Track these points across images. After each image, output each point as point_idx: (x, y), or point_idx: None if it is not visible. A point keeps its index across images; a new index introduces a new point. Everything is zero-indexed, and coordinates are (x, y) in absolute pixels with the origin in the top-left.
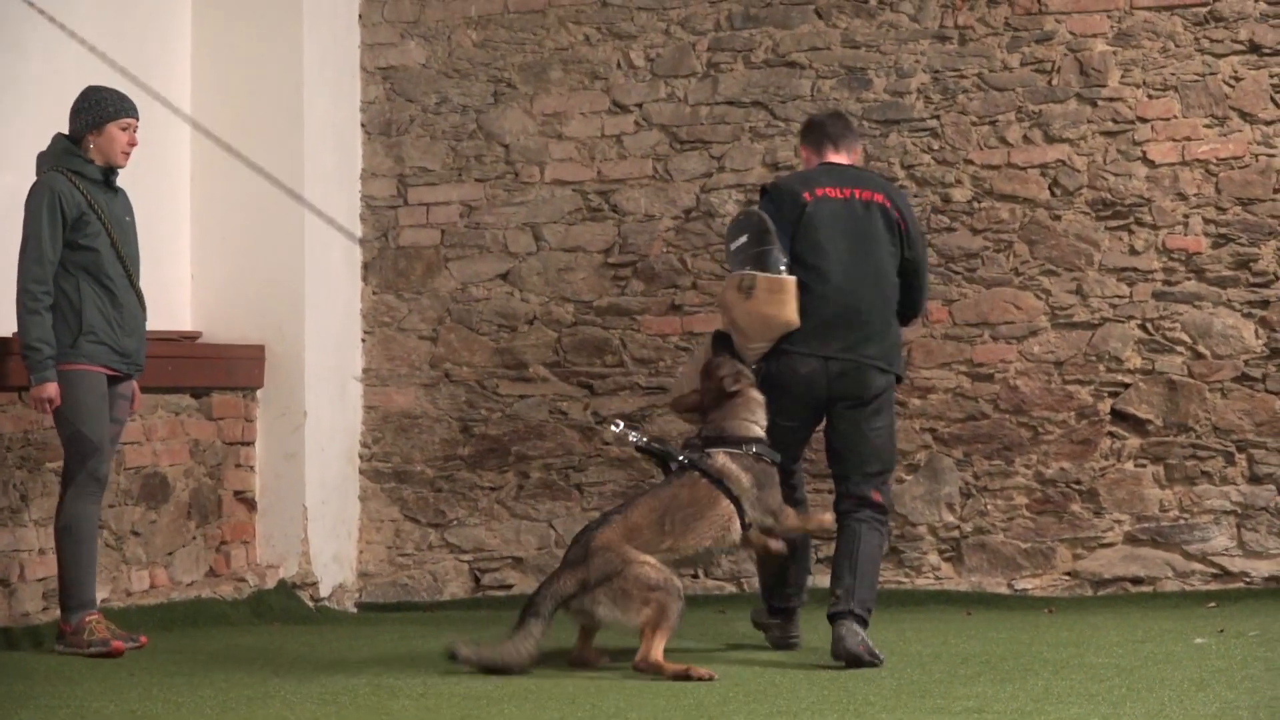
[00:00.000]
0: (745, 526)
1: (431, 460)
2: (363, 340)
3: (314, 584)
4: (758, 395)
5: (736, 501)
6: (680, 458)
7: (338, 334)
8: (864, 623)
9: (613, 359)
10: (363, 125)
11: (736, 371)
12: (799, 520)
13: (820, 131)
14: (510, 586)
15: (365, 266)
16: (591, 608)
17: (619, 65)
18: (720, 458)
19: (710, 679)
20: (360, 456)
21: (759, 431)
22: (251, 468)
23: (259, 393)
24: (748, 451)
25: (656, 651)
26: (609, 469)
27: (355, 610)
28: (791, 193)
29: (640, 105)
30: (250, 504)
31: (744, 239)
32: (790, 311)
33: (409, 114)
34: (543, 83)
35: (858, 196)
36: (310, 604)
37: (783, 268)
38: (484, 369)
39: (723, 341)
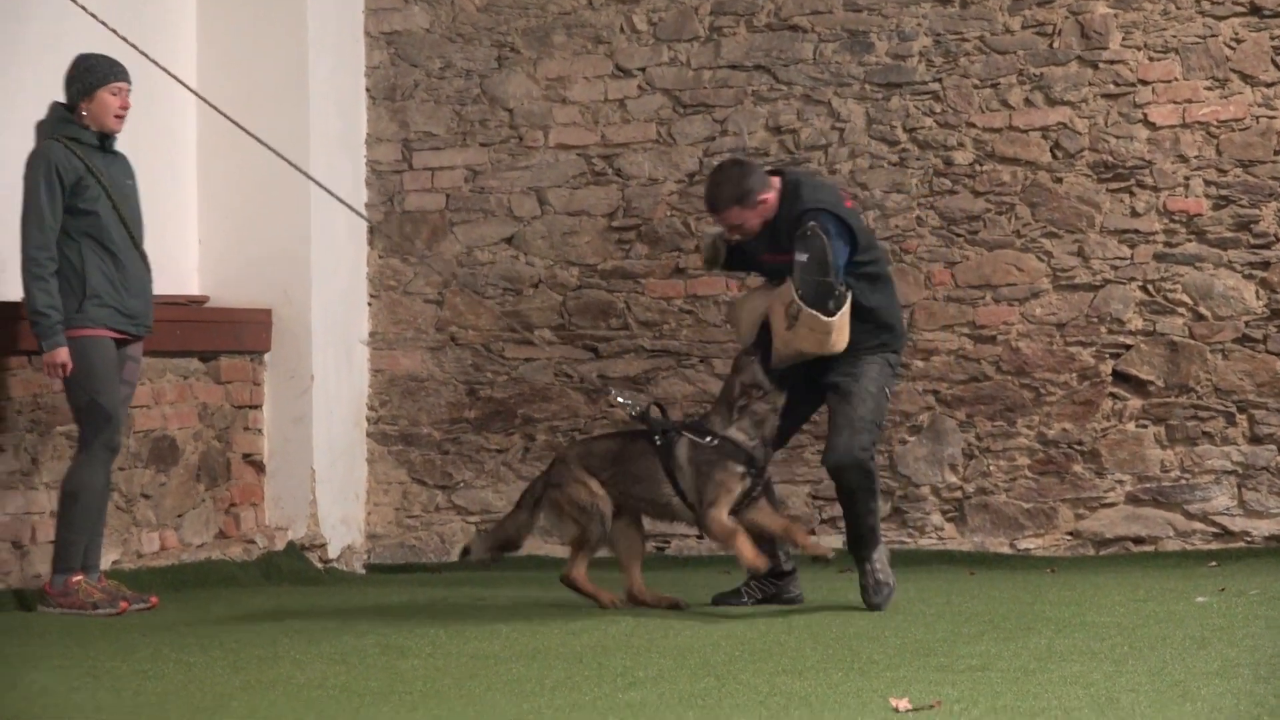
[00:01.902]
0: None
1: (438, 423)
2: (369, 304)
3: (322, 546)
4: (761, 408)
5: (677, 487)
6: (656, 438)
7: (344, 298)
8: None
9: (617, 322)
10: (367, 90)
11: (755, 384)
12: (727, 533)
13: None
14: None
15: (371, 231)
16: (540, 511)
17: (622, 29)
18: (683, 446)
19: (613, 605)
20: (367, 419)
21: (738, 435)
22: (260, 431)
23: (266, 356)
24: (711, 444)
25: (575, 569)
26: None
27: (363, 571)
28: (856, 215)
29: (643, 69)
30: (259, 467)
31: (805, 258)
32: (827, 344)
33: (413, 79)
34: (546, 47)
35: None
36: (319, 565)
37: (831, 302)
38: (489, 332)
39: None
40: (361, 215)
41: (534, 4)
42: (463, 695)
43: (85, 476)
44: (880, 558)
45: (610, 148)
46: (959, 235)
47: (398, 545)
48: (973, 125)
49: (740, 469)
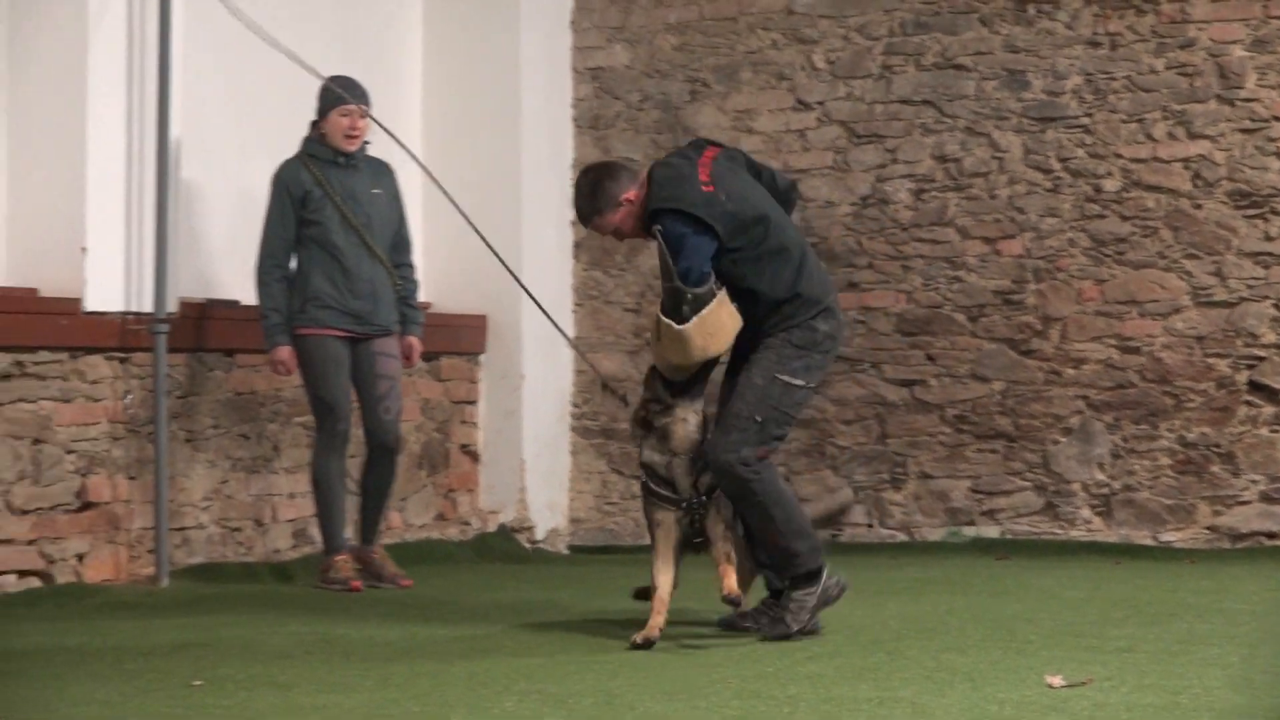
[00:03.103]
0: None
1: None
2: (574, 311)
3: (530, 528)
4: (662, 421)
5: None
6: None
7: (551, 305)
8: None
9: None
10: (574, 120)
11: (654, 398)
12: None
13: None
14: None
15: (576, 246)
16: None
17: (803, 67)
18: None
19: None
20: (571, 415)
21: (652, 457)
22: (475, 424)
23: (482, 357)
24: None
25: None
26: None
27: (567, 552)
28: (712, 201)
29: (822, 103)
30: (474, 456)
31: (658, 263)
32: (691, 352)
33: (615, 110)
34: (734, 83)
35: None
36: (527, 546)
37: (686, 307)
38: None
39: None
40: (565, 335)
41: (724, 44)
42: (658, 664)
43: (319, 463)
44: (804, 597)
45: (791, 173)
46: (1107, 255)
47: (598, 529)
48: (1120, 156)
49: (659, 498)
